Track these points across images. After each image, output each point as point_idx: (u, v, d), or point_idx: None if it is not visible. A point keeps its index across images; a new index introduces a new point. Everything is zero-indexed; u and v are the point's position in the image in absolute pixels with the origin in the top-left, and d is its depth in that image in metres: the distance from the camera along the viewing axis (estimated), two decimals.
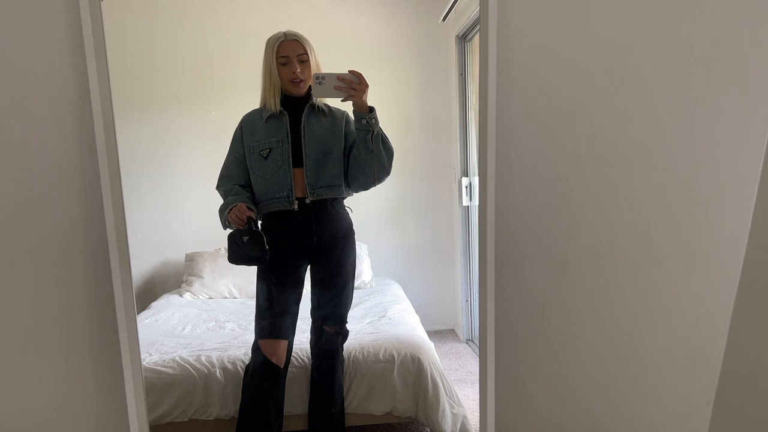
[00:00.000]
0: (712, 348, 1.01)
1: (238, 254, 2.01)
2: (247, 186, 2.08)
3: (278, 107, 1.99)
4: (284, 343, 2.06)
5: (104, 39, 1.30)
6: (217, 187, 2.11)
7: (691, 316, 1.13)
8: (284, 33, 1.97)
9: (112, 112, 1.32)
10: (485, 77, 1.43)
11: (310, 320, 2.21)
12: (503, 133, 1.47)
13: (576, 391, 1.44)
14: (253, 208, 1.99)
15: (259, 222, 2.13)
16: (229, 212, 1.96)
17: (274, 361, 2.03)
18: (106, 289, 1.38)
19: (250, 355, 2.11)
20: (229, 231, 2.06)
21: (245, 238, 1.96)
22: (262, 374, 2.04)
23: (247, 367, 2.11)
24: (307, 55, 1.97)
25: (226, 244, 3.74)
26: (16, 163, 1.34)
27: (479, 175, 1.52)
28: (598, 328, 1.35)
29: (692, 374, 1.16)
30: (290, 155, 1.99)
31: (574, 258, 1.36)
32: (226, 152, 2.13)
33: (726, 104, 0.91)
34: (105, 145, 1.29)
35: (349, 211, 2.16)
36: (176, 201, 3.89)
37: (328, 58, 2.25)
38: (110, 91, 1.32)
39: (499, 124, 1.46)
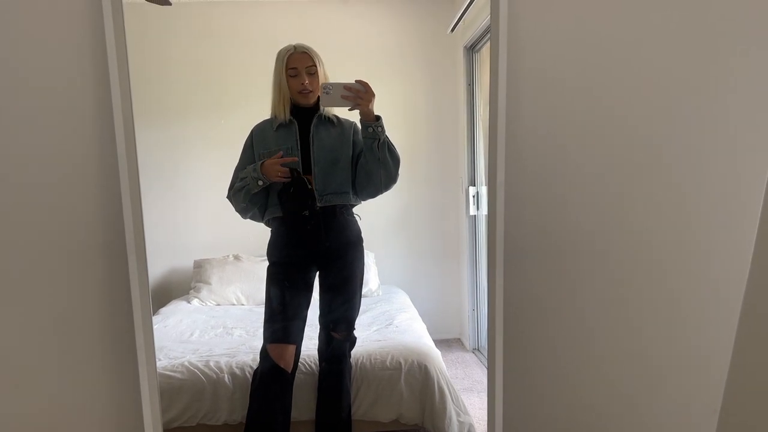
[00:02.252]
0: (718, 356, 1.02)
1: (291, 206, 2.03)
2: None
3: (288, 117, 2.04)
4: (292, 347, 2.08)
5: (126, 51, 1.33)
6: (228, 197, 2.14)
7: (698, 324, 1.14)
8: (294, 46, 2.02)
9: (133, 121, 1.36)
10: (495, 87, 1.45)
11: (318, 326, 2.23)
12: (513, 142, 1.49)
13: (584, 400, 1.44)
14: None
15: (270, 229, 2.17)
16: (262, 169, 1.97)
17: (282, 366, 2.05)
18: (124, 292, 1.40)
19: (259, 360, 2.13)
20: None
21: (291, 189, 2.00)
22: (270, 378, 2.06)
23: (255, 371, 2.13)
24: (316, 67, 2.01)
25: (234, 251, 3.81)
26: (38, 170, 1.38)
27: (488, 184, 1.54)
28: (607, 337, 1.36)
29: (699, 383, 1.17)
30: (300, 163, 2.02)
31: (584, 266, 1.37)
32: (236, 160, 2.16)
33: (733, 107, 0.93)
34: (126, 154, 1.32)
35: (357, 218, 2.19)
36: (185, 208, 3.92)
37: (338, 68, 2.28)
38: (131, 101, 1.35)
39: (508, 134, 1.48)
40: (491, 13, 1.46)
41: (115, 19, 1.28)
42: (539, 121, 1.44)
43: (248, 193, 2.02)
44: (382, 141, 1.98)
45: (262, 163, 1.98)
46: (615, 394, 1.36)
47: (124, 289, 1.40)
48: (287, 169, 1.96)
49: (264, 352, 2.09)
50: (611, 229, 1.29)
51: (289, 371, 2.08)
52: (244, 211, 2.11)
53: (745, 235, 0.86)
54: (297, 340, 2.11)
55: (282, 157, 2.00)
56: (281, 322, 2.07)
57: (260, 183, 1.98)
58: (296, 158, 1.99)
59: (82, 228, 1.40)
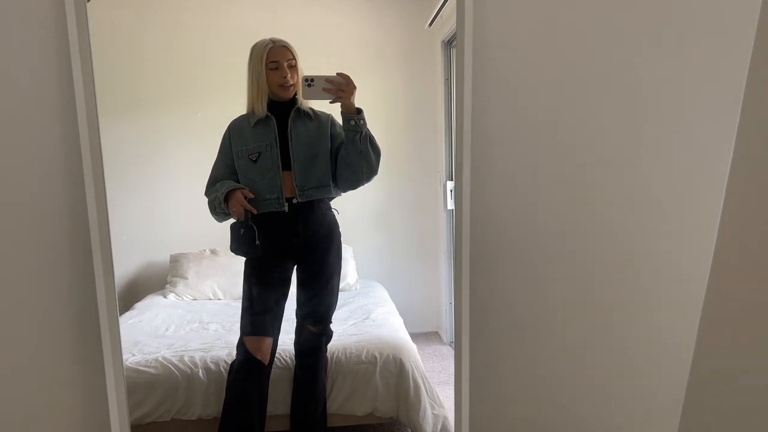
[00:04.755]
0: (682, 348, 1.04)
1: (237, 245, 2.06)
2: None
3: (265, 112, 2.03)
4: (269, 340, 2.09)
5: (89, 41, 1.31)
6: (206, 194, 2.13)
7: (662, 317, 1.16)
8: (271, 39, 2.01)
9: (97, 115, 1.34)
10: (461, 83, 1.46)
11: (295, 321, 2.23)
12: (479, 137, 1.50)
13: (548, 391, 1.46)
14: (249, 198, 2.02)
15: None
16: (227, 199, 1.99)
17: (259, 358, 2.06)
18: (89, 288, 1.39)
19: (236, 353, 2.13)
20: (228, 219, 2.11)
21: (242, 231, 2.01)
22: (247, 370, 2.06)
23: (232, 364, 2.14)
24: (295, 60, 2.01)
25: (211, 246, 3.79)
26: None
27: (455, 179, 1.55)
28: (571, 330, 1.38)
29: (662, 374, 1.19)
30: (279, 159, 2.02)
31: (548, 260, 1.39)
32: (212, 153, 2.15)
33: (696, 108, 0.95)
34: (89, 148, 1.30)
35: (335, 213, 2.19)
36: (162, 202, 3.89)
37: (316, 62, 2.28)
38: (95, 94, 1.33)
39: (474, 129, 1.49)
40: (457, 7, 1.47)
41: (77, 11, 1.26)
42: (505, 118, 1.45)
43: (216, 209, 2.05)
44: (363, 134, 1.98)
45: (230, 192, 1.99)
46: (579, 387, 1.38)
47: (90, 286, 1.38)
48: (243, 211, 1.97)
49: (241, 344, 2.09)
50: (578, 223, 1.31)
51: (266, 363, 2.09)
52: (218, 220, 2.14)
53: (708, 231, 0.88)
54: (274, 333, 2.12)
55: (258, 158, 2.02)
56: (258, 315, 2.07)
57: (223, 206, 2.01)
58: (255, 210, 2.00)
59: (47, 225, 1.38)
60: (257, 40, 2.03)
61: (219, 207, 2.01)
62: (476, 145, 1.51)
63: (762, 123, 0.75)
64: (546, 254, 1.39)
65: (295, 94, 2.05)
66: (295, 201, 2.05)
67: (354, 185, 2.11)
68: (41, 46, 1.32)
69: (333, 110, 2.02)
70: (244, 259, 2.15)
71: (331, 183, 2.11)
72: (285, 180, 2.04)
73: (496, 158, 1.48)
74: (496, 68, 1.45)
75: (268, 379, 2.14)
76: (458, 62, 1.48)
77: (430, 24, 3.78)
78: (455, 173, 1.54)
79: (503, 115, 1.45)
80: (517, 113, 1.41)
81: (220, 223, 2.18)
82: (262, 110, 2.02)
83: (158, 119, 3.83)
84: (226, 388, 2.13)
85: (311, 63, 2.11)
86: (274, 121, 2.04)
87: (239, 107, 2.13)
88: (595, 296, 1.30)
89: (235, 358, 2.14)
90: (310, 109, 2.12)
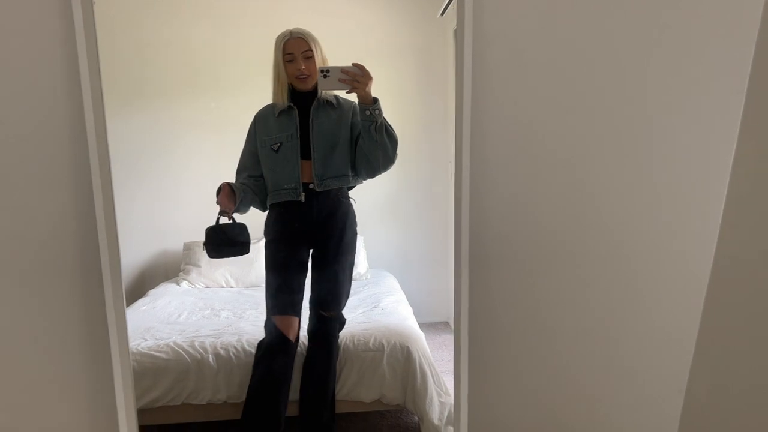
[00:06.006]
0: (684, 338, 1.05)
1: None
2: (261, 176, 2.18)
3: (286, 103, 2.07)
4: (296, 319, 2.15)
5: (95, 30, 1.31)
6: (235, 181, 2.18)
7: (665, 307, 1.17)
8: (290, 31, 2.05)
9: (103, 106, 1.35)
10: (461, 74, 1.45)
11: (308, 309, 2.26)
12: (478, 130, 1.50)
13: (552, 379, 1.47)
14: (235, 198, 2.07)
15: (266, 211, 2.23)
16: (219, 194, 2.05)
17: (290, 337, 2.13)
18: (95, 274, 1.40)
19: (265, 332, 2.18)
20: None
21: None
22: (278, 348, 2.13)
23: (261, 343, 2.18)
24: (312, 51, 2.04)
25: None
26: (5, 155, 1.37)
27: (455, 172, 1.54)
28: (573, 320, 1.39)
29: (665, 363, 1.19)
30: (299, 149, 2.07)
31: (548, 254, 1.40)
32: (227, 143, 2.22)
33: (698, 108, 0.95)
34: (95, 136, 1.31)
35: (353, 202, 2.22)
36: (177, 191, 3.92)
37: (328, 51, 2.29)
38: (101, 85, 1.34)
39: (474, 122, 1.49)
40: (457, 5, 1.45)
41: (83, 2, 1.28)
42: (504, 111, 1.45)
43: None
44: (379, 124, 2.01)
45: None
46: (582, 374, 1.39)
47: (96, 271, 1.40)
48: (231, 205, 2.04)
49: (269, 323, 2.15)
50: (578, 217, 1.31)
51: (293, 341, 2.15)
52: (240, 212, 2.19)
53: (710, 224, 0.89)
54: (298, 313, 2.17)
55: (279, 148, 2.06)
56: (282, 296, 2.13)
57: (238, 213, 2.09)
58: (232, 205, 2.06)
59: (54, 216, 1.40)
60: (273, 31, 2.06)
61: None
62: (474, 138, 1.51)
63: (764, 122, 0.76)
64: (545, 248, 1.40)
65: (317, 84, 2.07)
66: (311, 186, 2.09)
67: (371, 174, 2.15)
68: (47, 35, 1.33)
69: (354, 99, 2.04)
70: (255, 247, 2.18)
71: (350, 172, 2.15)
72: (304, 170, 2.08)
73: (496, 151, 1.48)
74: (495, 60, 1.45)
75: (293, 358, 2.19)
76: (458, 53, 1.46)
77: (442, 13, 3.76)
78: (455, 165, 1.55)
79: (501, 108, 1.45)
80: (516, 106, 1.41)
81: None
82: (282, 101, 2.07)
83: (173, 109, 3.85)
84: (254, 365, 2.18)
85: (325, 51, 2.12)
86: (297, 111, 2.08)
87: (255, 98, 2.17)
88: (596, 289, 1.31)
89: (264, 337, 2.19)
90: (334, 97, 2.15)
